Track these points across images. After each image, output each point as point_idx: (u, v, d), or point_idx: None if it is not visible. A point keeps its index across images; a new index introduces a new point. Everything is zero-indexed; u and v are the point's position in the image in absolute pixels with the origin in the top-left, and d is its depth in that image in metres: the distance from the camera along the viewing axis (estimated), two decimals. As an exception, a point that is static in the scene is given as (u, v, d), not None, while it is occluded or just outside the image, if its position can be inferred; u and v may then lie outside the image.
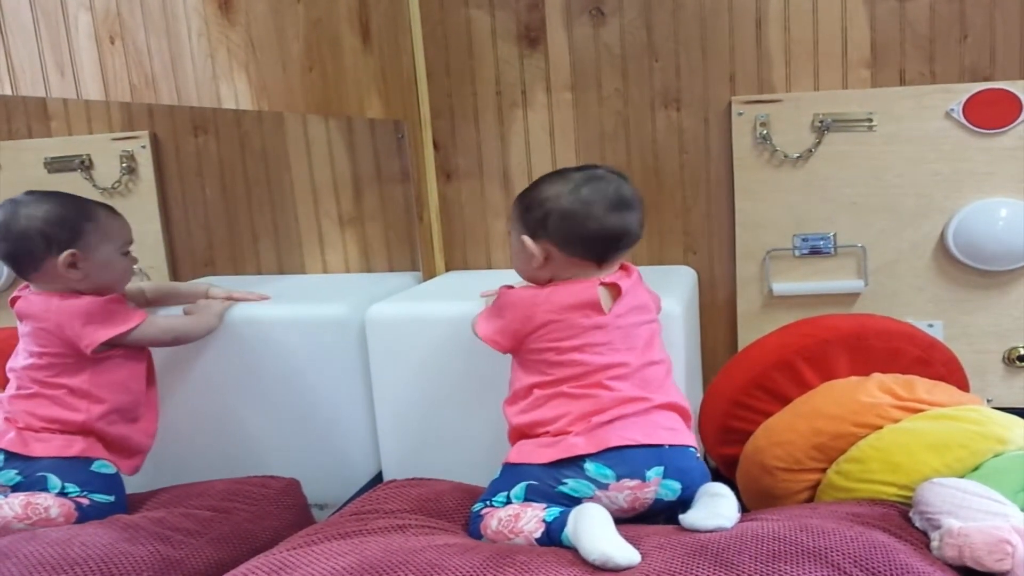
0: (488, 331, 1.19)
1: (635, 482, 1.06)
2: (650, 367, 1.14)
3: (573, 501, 1.05)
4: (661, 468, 1.07)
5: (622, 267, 1.20)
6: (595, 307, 1.12)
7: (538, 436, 1.12)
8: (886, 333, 1.39)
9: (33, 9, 0.97)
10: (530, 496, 1.07)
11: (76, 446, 1.20)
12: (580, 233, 1.14)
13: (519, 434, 1.15)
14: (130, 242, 1.31)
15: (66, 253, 1.21)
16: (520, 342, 1.15)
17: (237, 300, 1.49)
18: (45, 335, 1.21)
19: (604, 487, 1.06)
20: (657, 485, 1.07)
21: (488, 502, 1.10)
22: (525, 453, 1.11)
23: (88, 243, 1.23)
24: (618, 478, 1.06)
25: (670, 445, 1.09)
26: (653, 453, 1.07)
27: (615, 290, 1.14)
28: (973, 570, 0.89)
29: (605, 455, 1.06)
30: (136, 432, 1.29)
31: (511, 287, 1.20)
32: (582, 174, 1.17)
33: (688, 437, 1.12)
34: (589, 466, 1.06)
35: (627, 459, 1.06)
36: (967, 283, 1.72)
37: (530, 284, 1.21)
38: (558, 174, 1.19)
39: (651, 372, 1.14)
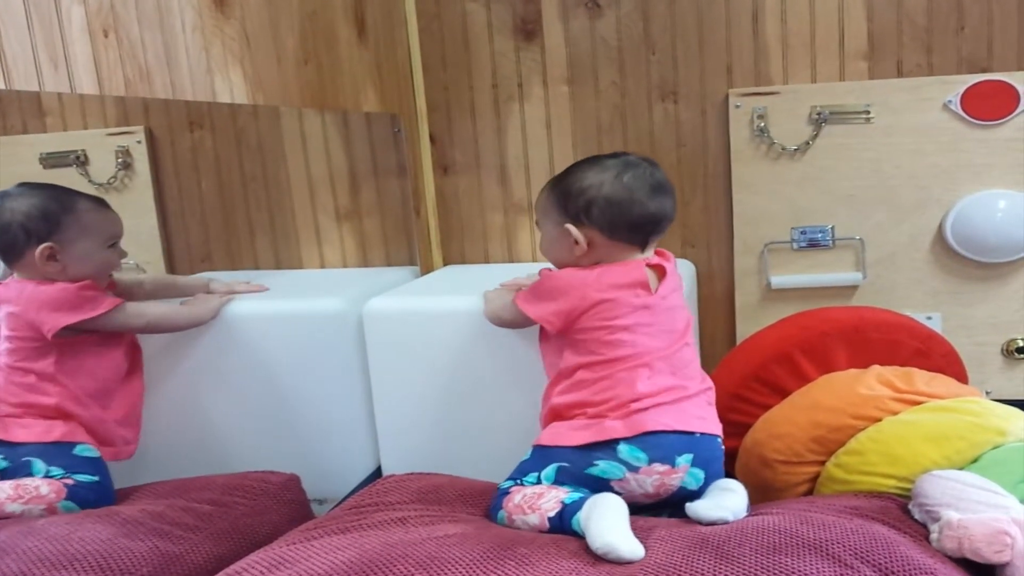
0: (541, 312, 1.18)
1: (665, 467, 1.07)
2: (686, 348, 1.16)
3: (601, 483, 1.07)
4: (691, 456, 1.08)
5: (658, 252, 1.22)
6: (644, 286, 1.15)
7: (573, 418, 1.13)
8: (885, 325, 1.39)
9: (26, 2, 0.97)
10: (561, 478, 1.09)
11: (57, 430, 1.22)
12: (626, 219, 1.16)
13: (555, 415, 1.16)
14: (116, 236, 1.32)
15: (43, 246, 1.23)
16: (572, 322, 1.16)
17: (241, 293, 1.49)
18: (15, 320, 1.24)
19: (635, 470, 1.07)
20: (684, 472, 1.08)
21: (518, 481, 1.12)
22: (559, 435, 1.12)
23: (67, 237, 1.25)
24: (650, 462, 1.07)
25: (701, 433, 1.11)
26: (685, 440, 1.09)
27: (660, 271, 1.17)
28: (973, 562, 0.89)
29: (639, 439, 1.08)
30: (109, 419, 1.29)
31: (551, 270, 1.21)
32: (618, 161, 1.18)
33: (716, 426, 1.14)
34: (623, 448, 1.07)
35: (660, 444, 1.08)
36: (966, 275, 1.71)
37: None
38: (593, 161, 1.20)
39: (688, 354, 1.16)
